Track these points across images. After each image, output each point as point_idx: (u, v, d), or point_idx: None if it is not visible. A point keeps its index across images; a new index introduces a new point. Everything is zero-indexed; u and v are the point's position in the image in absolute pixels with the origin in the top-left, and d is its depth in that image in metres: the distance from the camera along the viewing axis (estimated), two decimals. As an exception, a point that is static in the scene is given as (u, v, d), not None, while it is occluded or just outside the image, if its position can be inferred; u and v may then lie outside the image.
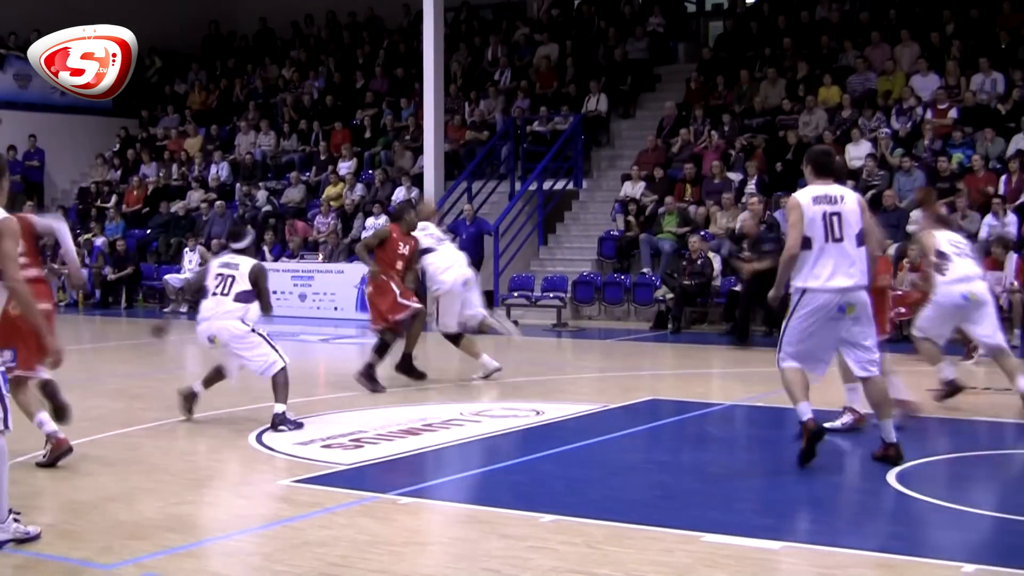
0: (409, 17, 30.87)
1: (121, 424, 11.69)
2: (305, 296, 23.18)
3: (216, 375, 11.93)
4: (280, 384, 11.34)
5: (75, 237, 27.56)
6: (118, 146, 31.99)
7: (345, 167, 26.98)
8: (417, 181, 24.90)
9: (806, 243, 9.29)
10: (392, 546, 7.48)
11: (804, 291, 9.33)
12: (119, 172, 30.98)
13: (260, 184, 28.04)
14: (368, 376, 13.80)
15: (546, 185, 24.60)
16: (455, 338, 15.02)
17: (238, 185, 28.47)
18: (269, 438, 10.80)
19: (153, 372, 16.34)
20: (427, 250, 14.71)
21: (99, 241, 27.63)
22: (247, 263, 11.54)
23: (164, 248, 27.45)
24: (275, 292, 20.10)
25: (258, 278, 11.46)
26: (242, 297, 11.39)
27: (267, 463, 9.94)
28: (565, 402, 13.00)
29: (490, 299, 22.79)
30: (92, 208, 29.46)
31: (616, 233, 23.07)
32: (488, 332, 16.18)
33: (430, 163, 24.44)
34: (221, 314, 11.45)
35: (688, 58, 27.94)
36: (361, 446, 10.49)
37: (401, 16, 31.55)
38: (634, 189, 23.56)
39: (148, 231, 28.14)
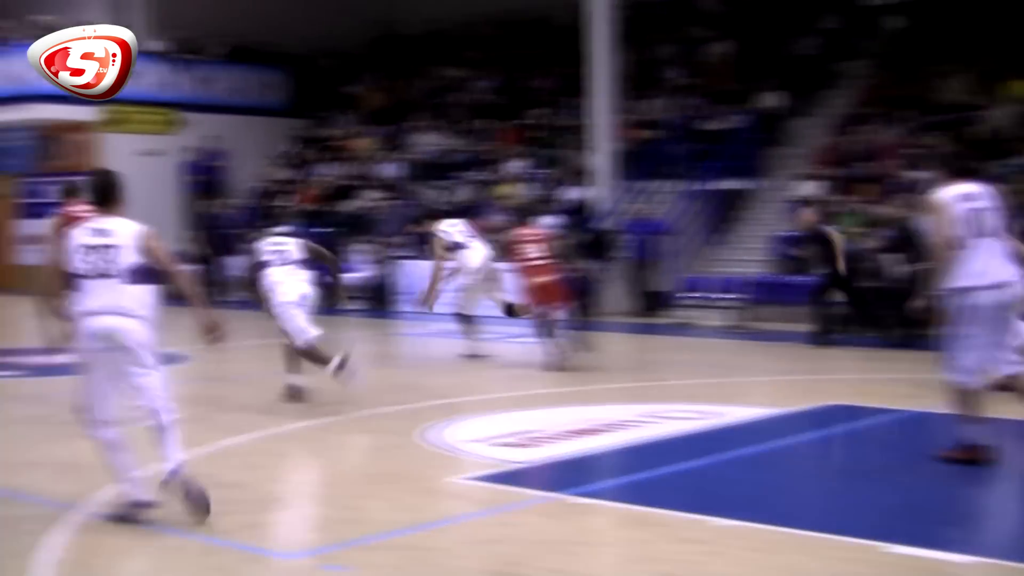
0: (578, 15, 30.83)
1: (299, 418, 11.86)
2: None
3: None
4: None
5: (247, 236, 28.17)
6: (295, 147, 32.54)
7: (515, 166, 27.06)
8: (588, 180, 24.86)
9: (956, 242, 9.03)
10: (566, 546, 7.46)
11: (965, 290, 9.05)
12: (295, 172, 31.51)
13: (431, 183, 28.27)
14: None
15: (719, 184, 24.36)
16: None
17: (410, 184, 28.73)
18: (444, 436, 10.84)
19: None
20: (458, 244, 16.56)
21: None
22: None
23: (339, 247, 27.79)
24: (445, 290, 20.26)
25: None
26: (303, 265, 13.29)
27: (442, 460, 9.99)
28: (742, 405, 12.83)
29: (663, 300, 22.71)
30: (269, 207, 29.98)
31: (791, 233, 22.72)
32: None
33: (600, 162, 24.38)
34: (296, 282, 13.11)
35: (866, 54, 27.41)
36: (536, 445, 10.47)
37: (570, 14, 31.52)
38: (810, 188, 23.19)
39: (323, 230, 28.52)
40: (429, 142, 29.88)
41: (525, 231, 16.43)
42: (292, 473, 9.50)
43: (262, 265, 13.14)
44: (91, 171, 9.27)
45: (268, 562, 7.11)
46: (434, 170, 28.92)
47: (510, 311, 16.96)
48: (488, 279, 17.12)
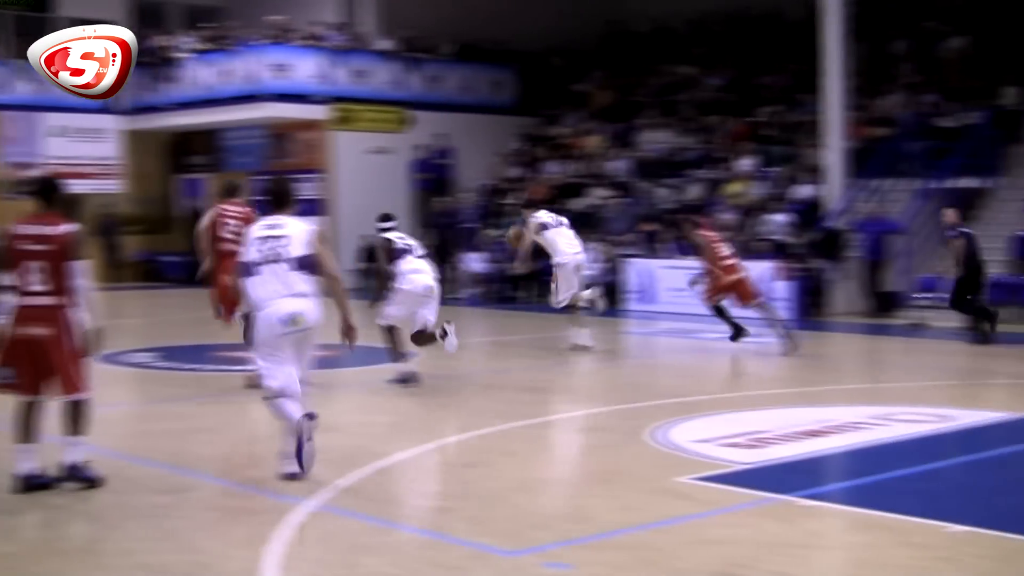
0: (811, 10, 30.36)
1: (526, 416, 11.94)
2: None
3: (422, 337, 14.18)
4: None
5: (478, 232, 28.52)
6: (523, 144, 32.80)
7: (745, 164, 26.81)
8: (819, 178, 24.47)
9: None
10: (792, 549, 7.36)
11: None
12: (522, 169, 31.75)
13: (660, 181, 28.18)
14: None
15: (955, 183, 23.71)
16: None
17: (639, 182, 28.69)
18: (670, 435, 10.79)
19: (556, 366, 16.61)
20: (545, 226, 17.33)
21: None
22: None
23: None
24: (673, 289, 20.19)
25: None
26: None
27: (667, 460, 9.94)
28: (976, 408, 12.49)
29: (896, 300, 22.22)
30: (496, 204, 30.28)
31: (1032, 233, 22.01)
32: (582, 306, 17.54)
33: (833, 160, 23.98)
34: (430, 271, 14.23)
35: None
36: (762, 446, 10.36)
37: (803, 9, 31.07)
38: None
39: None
40: (658, 140, 29.80)
41: (711, 232, 17.72)
42: (517, 470, 9.56)
43: (398, 254, 14.14)
44: (270, 178, 10.20)
45: (492, 559, 7.16)
46: (663, 168, 28.82)
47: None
48: (577, 271, 17.60)
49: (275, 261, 9.01)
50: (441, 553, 7.28)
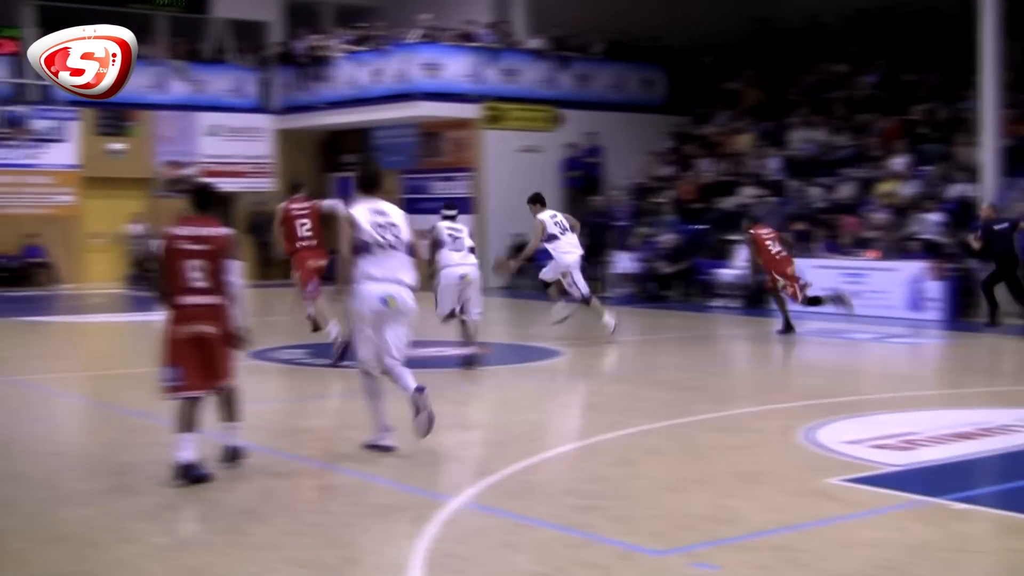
0: (966, 5, 29.81)
1: (672, 416, 11.93)
2: (856, 293, 22.80)
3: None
4: None
5: (630, 231, 28.50)
6: (673, 143, 32.69)
7: (898, 162, 26.40)
8: (974, 177, 24.02)
9: None
10: (942, 552, 7.27)
11: None
12: (672, 168, 31.63)
13: (812, 179, 27.88)
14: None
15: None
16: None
17: (789, 180, 28.42)
18: (819, 436, 10.71)
19: (704, 365, 16.57)
20: (553, 236, 17.62)
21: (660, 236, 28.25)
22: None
23: (717, 243, 27.76)
24: (826, 288, 19.95)
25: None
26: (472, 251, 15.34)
27: (816, 460, 9.87)
28: None
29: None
30: (646, 203, 30.21)
31: None
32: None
33: (987, 158, 23.53)
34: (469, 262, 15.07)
35: None
36: (913, 448, 10.23)
37: (958, 5, 30.51)
38: None
39: (701, 226, 28.54)
40: (809, 138, 29.48)
41: (763, 231, 19.25)
42: (664, 469, 9.56)
43: (439, 245, 15.19)
44: (359, 161, 11.53)
45: (638, 558, 7.18)
46: (814, 167, 28.51)
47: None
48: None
49: (389, 247, 9.79)
50: (587, 552, 7.32)
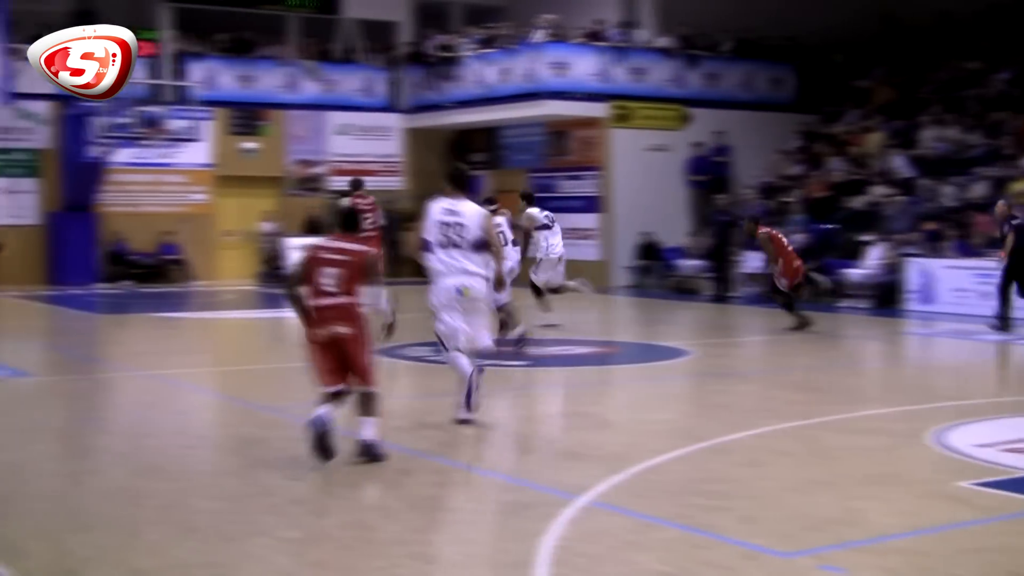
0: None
1: (800, 416, 11.86)
2: (987, 294, 22.43)
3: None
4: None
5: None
6: (802, 141, 32.38)
7: (1033, 161, 25.92)
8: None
9: None
10: (1077, 559, 7.15)
11: None
12: (801, 167, 31.34)
13: (944, 179, 27.46)
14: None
15: None
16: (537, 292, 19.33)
17: (921, 180, 28.02)
18: (950, 438, 10.57)
19: (832, 365, 16.42)
20: (544, 226, 19.19)
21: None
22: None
23: (846, 242, 27.45)
24: (955, 289, 19.69)
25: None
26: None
27: (946, 464, 9.75)
28: None
29: None
30: (776, 202, 29.98)
31: None
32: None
33: None
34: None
35: None
36: (1046, 452, 10.07)
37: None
38: None
39: (831, 226, 28.25)
40: (940, 137, 29.04)
41: (774, 230, 20.30)
42: (791, 470, 9.51)
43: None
44: (449, 162, 12.34)
45: (765, 559, 7.16)
46: (947, 166, 28.08)
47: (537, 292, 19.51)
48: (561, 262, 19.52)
49: (452, 245, 10.79)
50: (713, 552, 7.32)
